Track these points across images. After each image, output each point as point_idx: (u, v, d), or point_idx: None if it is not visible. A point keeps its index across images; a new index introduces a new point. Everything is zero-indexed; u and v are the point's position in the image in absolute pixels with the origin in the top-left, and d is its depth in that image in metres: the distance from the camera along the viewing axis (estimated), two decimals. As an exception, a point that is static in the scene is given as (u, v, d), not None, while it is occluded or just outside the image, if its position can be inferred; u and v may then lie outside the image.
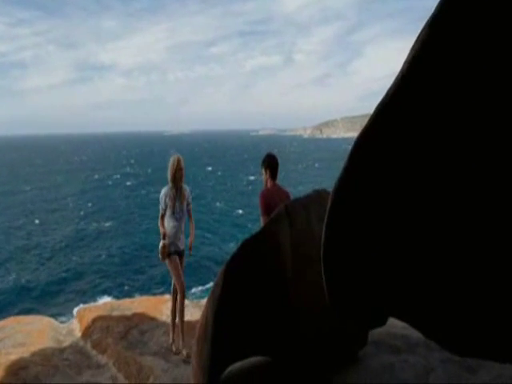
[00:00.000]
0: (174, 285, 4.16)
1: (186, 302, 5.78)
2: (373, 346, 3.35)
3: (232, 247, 30.63)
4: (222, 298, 2.49)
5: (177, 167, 4.31)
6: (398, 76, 1.31)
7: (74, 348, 4.06)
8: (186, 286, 4.22)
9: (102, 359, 3.73)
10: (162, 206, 4.28)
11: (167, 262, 4.05)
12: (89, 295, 20.57)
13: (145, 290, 21.31)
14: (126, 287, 21.93)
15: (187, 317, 4.95)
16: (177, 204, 4.28)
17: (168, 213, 4.27)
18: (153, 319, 4.72)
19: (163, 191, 4.37)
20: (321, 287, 2.99)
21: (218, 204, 46.75)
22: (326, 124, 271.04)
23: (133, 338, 4.10)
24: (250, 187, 59.63)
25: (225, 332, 2.54)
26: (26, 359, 3.53)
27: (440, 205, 1.36)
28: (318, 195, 2.86)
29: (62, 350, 4.00)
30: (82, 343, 4.18)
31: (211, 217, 41.37)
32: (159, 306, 5.25)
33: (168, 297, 5.80)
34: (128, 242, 30.79)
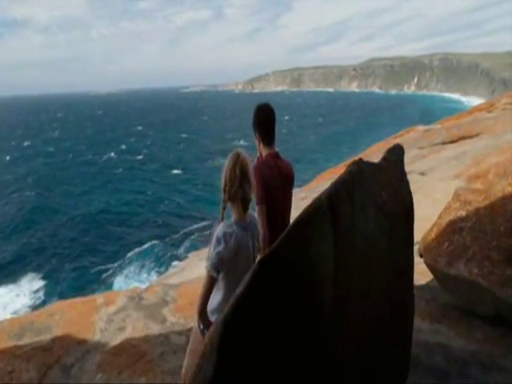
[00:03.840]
0: None
1: (124, 300, 4.48)
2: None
3: (164, 208, 29.16)
4: (218, 375, 1.25)
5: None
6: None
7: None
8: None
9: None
10: None
11: None
12: (9, 285, 18.16)
13: (77, 275, 19.42)
14: (55, 273, 19.71)
15: (127, 332, 3.66)
16: None
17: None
18: (82, 342, 3.37)
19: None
20: (368, 323, 1.84)
21: (151, 165, 44.06)
22: (258, 79, 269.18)
23: (51, 386, 2.76)
24: (181, 145, 57.22)
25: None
26: None
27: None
28: (360, 170, 1.67)
29: None
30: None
31: (144, 177, 39.01)
32: (90, 317, 3.88)
33: (102, 299, 4.42)
34: (60, 216, 27.81)
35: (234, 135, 65.43)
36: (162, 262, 20.65)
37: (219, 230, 1.96)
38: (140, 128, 78.64)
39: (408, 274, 1.99)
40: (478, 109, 15.59)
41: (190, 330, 3.53)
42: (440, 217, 3.20)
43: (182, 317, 3.84)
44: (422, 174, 9.09)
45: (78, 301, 4.39)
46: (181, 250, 22.02)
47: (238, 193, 1.97)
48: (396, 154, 2.06)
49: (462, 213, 3.03)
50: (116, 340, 3.46)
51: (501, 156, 8.20)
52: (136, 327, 3.70)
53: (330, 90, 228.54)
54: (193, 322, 2.26)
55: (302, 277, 1.35)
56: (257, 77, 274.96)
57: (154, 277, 18.77)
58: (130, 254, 21.48)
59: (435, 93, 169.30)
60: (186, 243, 22.99)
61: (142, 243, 22.81)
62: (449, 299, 3.09)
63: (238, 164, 1.97)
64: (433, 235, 3.14)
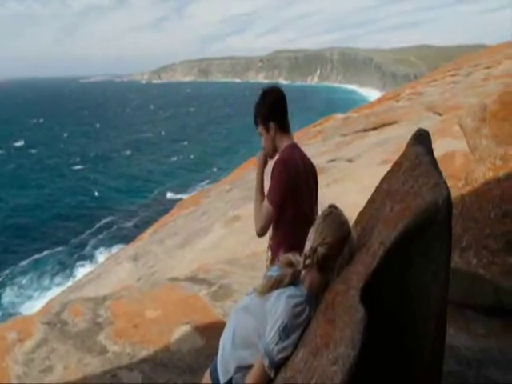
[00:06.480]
0: None
1: (43, 328, 3.61)
2: None
3: (65, 206, 26.53)
4: None
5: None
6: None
7: None
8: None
9: None
10: None
11: None
12: None
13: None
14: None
15: (57, 373, 2.87)
16: None
17: None
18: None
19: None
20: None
21: (50, 161, 39.83)
22: (164, 69, 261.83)
23: None
24: (85, 138, 53.03)
25: None
26: None
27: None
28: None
29: None
30: None
31: (42, 174, 35.16)
32: (0, 362, 2.98)
33: (14, 334, 3.47)
34: None
35: (141, 127, 62.51)
36: (67, 267, 18.54)
37: (289, 307, 1.33)
38: (35, 121, 71.16)
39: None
40: (386, 98, 16.59)
41: (143, 361, 2.87)
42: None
43: (126, 344, 3.12)
44: (349, 160, 9.21)
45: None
46: (88, 252, 20.16)
47: (335, 272, 1.38)
48: (424, 141, 1.68)
49: (445, 199, 2.81)
50: (43, 388, 2.66)
51: (421, 141, 8.65)
52: (68, 365, 2.91)
53: (238, 80, 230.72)
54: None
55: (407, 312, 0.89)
56: (163, 67, 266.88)
57: (58, 282, 16.78)
58: (24, 262, 18.89)
59: (336, 84, 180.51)
60: (93, 242, 21.13)
61: (39, 248, 20.30)
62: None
63: (349, 244, 1.37)
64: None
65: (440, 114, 9.68)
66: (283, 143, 2.02)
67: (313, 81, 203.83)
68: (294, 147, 2.03)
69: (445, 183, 1.02)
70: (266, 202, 1.92)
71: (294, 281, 1.42)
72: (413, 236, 0.94)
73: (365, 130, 10.48)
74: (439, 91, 13.33)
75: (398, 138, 9.04)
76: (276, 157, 2.03)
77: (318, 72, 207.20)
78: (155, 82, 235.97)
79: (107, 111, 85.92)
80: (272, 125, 2.00)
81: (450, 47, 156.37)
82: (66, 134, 56.18)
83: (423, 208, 0.94)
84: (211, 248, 8.56)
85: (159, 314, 3.63)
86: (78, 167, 37.65)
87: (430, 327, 1.00)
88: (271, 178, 1.92)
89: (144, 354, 2.90)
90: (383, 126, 10.22)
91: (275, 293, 1.39)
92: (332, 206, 1.46)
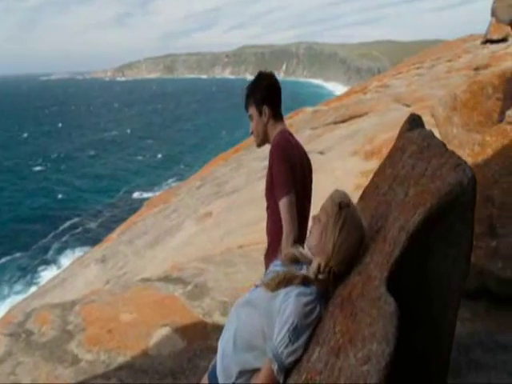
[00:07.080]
0: None
1: (5, 340, 3.36)
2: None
3: (25, 210, 25.31)
4: None
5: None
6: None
7: None
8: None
9: None
10: None
11: None
12: None
13: None
14: None
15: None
16: None
17: None
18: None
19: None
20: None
21: (6, 162, 37.88)
22: (129, 66, 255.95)
23: None
24: (45, 140, 50.84)
25: None
26: None
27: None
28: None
29: None
30: None
31: (1, 176, 33.41)
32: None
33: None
34: None
35: (106, 125, 60.81)
36: (28, 273, 17.65)
37: (299, 306, 1.23)
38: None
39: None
40: (353, 91, 16.82)
41: (120, 369, 2.69)
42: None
43: (101, 351, 2.93)
44: (321, 153, 9.25)
45: None
46: (52, 256, 19.30)
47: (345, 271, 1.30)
48: (419, 125, 1.61)
49: (426, 186, 2.80)
50: (9, 405, 2.44)
51: (391, 132, 8.77)
52: (37, 379, 2.69)
53: (204, 76, 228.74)
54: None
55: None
56: (128, 64, 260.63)
57: (17, 290, 15.93)
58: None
59: (302, 79, 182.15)
60: (57, 246, 20.28)
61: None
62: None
63: (364, 243, 1.29)
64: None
65: (408, 105, 9.87)
66: (276, 130, 1.90)
67: (279, 76, 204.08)
68: (289, 133, 1.93)
69: (465, 163, 0.95)
70: (282, 199, 1.72)
71: (304, 282, 1.31)
72: (435, 220, 0.86)
73: (335, 123, 10.55)
74: (405, 83, 13.63)
75: (367, 129, 9.16)
76: (266, 145, 1.94)
77: (284, 67, 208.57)
78: (119, 79, 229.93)
79: (69, 110, 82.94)
80: (266, 109, 1.88)
81: (410, 42, 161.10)
82: (25, 135, 53.75)
83: (447, 190, 0.87)
84: (183, 246, 8.36)
85: (135, 317, 3.45)
86: (40, 168, 36.12)
87: (447, 319, 0.92)
88: (272, 165, 1.78)
89: (121, 360, 2.73)
90: (353, 118, 10.32)
91: (283, 291, 1.27)
92: (344, 205, 1.28)
